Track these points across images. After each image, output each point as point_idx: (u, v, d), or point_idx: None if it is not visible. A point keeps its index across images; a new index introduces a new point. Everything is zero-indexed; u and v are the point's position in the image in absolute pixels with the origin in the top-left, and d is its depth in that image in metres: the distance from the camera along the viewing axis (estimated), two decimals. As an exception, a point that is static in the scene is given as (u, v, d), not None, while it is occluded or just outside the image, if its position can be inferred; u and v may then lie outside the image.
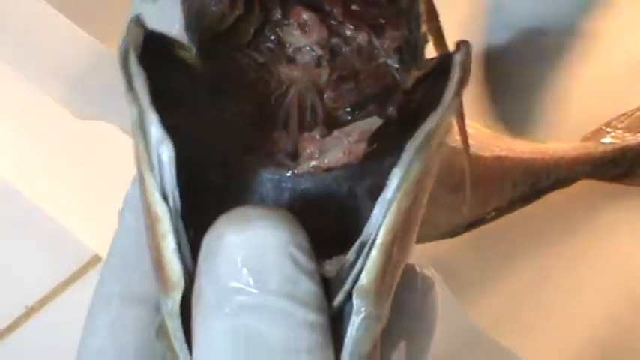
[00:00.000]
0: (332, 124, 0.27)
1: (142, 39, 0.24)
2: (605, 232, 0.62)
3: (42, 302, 0.51)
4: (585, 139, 0.60)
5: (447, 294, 0.50)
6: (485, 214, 0.57)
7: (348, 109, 0.28)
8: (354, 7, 0.28)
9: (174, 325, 0.22)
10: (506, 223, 0.61)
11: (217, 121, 0.27)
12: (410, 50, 0.28)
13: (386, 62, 0.28)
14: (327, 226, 0.26)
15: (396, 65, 0.28)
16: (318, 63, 0.28)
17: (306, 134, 0.26)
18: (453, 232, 0.56)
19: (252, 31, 0.28)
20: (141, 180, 0.22)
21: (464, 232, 0.57)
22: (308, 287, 0.22)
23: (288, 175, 0.27)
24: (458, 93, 0.24)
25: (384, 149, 0.26)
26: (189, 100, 0.27)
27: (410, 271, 0.27)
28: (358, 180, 0.26)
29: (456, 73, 0.24)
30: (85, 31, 0.52)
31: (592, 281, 0.61)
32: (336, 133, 0.26)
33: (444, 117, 0.23)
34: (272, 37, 0.28)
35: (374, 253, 0.22)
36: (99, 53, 0.51)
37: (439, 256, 0.55)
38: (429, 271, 0.28)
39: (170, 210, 0.22)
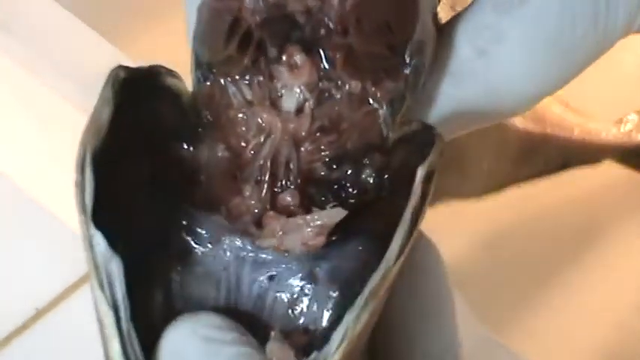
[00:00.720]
0: (306, 182, 0.27)
1: (104, 135, 0.25)
2: (616, 238, 0.61)
3: (52, 305, 0.51)
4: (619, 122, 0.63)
5: (460, 302, 0.50)
6: (515, 179, 0.60)
7: (326, 162, 0.27)
8: (354, 57, 0.28)
9: None
10: (517, 227, 0.61)
11: (191, 169, 0.27)
12: (402, 102, 0.28)
13: (376, 110, 0.28)
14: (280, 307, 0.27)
15: (386, 115, 0.28)
16: (301, 109, 0.28)
17: (271, 213, 0.27)
18: (484, 193, 0.59)
19: (245, 62, 0.28)
20: (91, 288, 0.24)
21: (497, 190, 0.60)
22: (233, 350, 0.24)
23: (250, 247, 0.27)
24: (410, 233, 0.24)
25: (346, 233, 0.27)
26: (168, 139, 0.27)
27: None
28: (319, 261, 0.27)
29: (413, 199, 0.24)
30: (98, 32, 0.52)
31: (602, 287, 0.61)
32: (299, 219, 0.26)
33: (388, 274, 0.24)
34: (265, 71, 0.28)
35: None
36: (112, 54, 0.51)
37: (452, 265, 0.55)
38: (427, 240, 0.28)
39: (117, 316, 0.23)
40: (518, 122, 0.58)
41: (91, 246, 0.23)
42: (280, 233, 0.26)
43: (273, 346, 0.24)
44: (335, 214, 0.26)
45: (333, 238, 0.26)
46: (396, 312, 0.27)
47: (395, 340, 0.27)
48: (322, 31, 0.27)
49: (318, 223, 0.26)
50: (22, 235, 0.53)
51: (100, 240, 0.23)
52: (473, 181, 0.58)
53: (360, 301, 0.23)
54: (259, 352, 0.24)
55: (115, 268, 0.23)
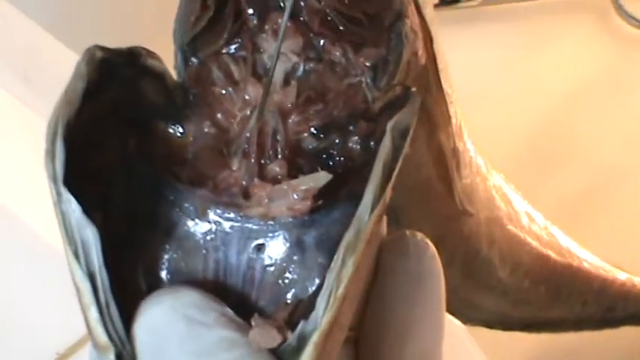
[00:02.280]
0: (294, 153, 0.27)
1: (78, 107, 0.24)
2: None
3: (72, 350, 0.51)
4: None
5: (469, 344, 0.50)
6: (547, 320, 0.54)
7: (314, 132, 0.27)
8: (333, 21, 0.28)
9: None
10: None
11: (176, 145, 0.27)
12: (385, 69, 0.28)
13: (359, 80, 0.28)
14: (270, 279, 0.26)
15: (369, 82, 0.28)
16: (287, 81, 0.28)
17: (256, 180, 0.26)
18: (505, 324, 0.53)
19: (225, 35, 0.28)
20: (66, 255, 0.23)
21: (520, 330, 0.54)
22: (214, 335, 0.23)
23: (237, 217, 0.27)
24: (383, 185, 0.24)
25: (332, 201, 0.26)
26: (155, 116, 0.27)
27: (400, 239, 0.27)
28: (307, 229, 0.27)
29: (382, 156, 0.24)
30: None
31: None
32: (283, 185, 0.26)
33: (362, 229, 0.23)
34: (248, 45, 0.28)
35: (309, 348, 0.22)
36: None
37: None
38: (421, 236, 0.28)
39: (94, 285, 0.23)
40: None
41: (62, 213, 0.23)
42: (266, 201, 0.26)
43: (255, 332, 0.23)
44: (319, 178, 0.26)
45: (320, 203, 0.26)
46: (389, 308, 0.27)
47: (385, 335, 0.27)
48: None
49: (303, 187, 0.26)
50: (42, 280, 0.54)
51: (74, 206, 0.23)
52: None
53: (337, 259, 0.23)
54: (242, 334, 0.23)
55: (91, 235, 0.23)
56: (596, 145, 0.77)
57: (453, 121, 0.37)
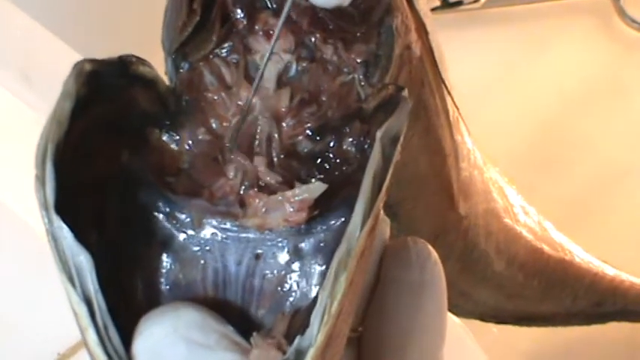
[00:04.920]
0: (289, 157, 0.27)
1: (66, 129, 0.24)
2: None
3: (73, 350, 0.51)
4: None
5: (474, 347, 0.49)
6: (538, 313, 0.54)
7: (309, 135, 0.27)
8: (323, 19, 0.28)
9: None
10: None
11: (171, 154, 0.27)
12: (377, 64, 0.27)
13: (352, 78, 0.27)
14: (268, 288, 0.26)
15: (362, 78, 0.27)
16: (280, 82, 0.27)
17: (251, 191, 0.26)
18: (498, 317, 0.54)
19: (214, 38, 0.27)
20: (60, 279, 0.23)
21: (513, 323, 0.54)
22: (216, 358, 0.23)
23: (233, 227, 0.26)
24: (373, 200, 0.23)
25: (329, 206, 0.26)
26: (149, 126, 0.27)
27: (402, 247, 0.27)
28: (305, 236, 0.26)
29: (370, 170, 0.23)
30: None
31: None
32: (279, 196, 0.26)
33: (353, 245, 0.23)
34: (238, 47, 0.28)
35: None
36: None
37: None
38: (423, 244, 0.27)
39: (91, 310, 0.22)
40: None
41: (55, 240, 0.23)
42: (263, 211, 0.26)
43: (256, 355, 0.23)
44: (315, 189, 0.25)
45: (316, 213, 0.26)
46: (391, 314, 0.26)
47: (387, 339, 0.27)
48: None
49: (299, 198, 0.25)
50: (43, 279, 0.53)
51: (66, 234, 0.23)
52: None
53: (329, 276, 0.22)
54: (244, 356, 0.23)
55: (85, 261, 0.23)
56: (597, 147, 0.77)
57: (451, 112, 0.37)
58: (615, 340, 0.65)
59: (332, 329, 0.22)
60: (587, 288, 0.54)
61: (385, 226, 0.28)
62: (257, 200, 0.26)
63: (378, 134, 0.24)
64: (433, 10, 0.79)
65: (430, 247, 0.28)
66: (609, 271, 0.56)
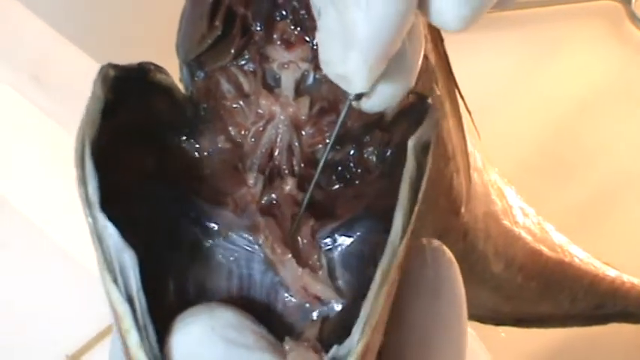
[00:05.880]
0: (310, 166, 0.27)
1: (100, 118, 0.24)
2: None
3: (82, 351, 0.51)
4: None
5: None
6: (536, 315, 0.54)
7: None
8: None
9: None
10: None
11: (193, 161, 0.27)
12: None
13: None
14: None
15: None
16: (298, 91, 0.27)
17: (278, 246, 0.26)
18: (497, 319, 0.53)
19: (232, 50, 0.28)
20: (102, 280, 0.23)
21: (511, 325, 0.54)
22: (255, 358, 0.22)
23: (258, 245, 0.26)
24: (412, 206, 0.23)
25: (352, 218, 0.26)
26: (167, 133, 0.27)
27: (416, 247, 0.27)
28: (330, 250, 0.26)
29: (405, 185, 0.23)
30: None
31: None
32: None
33: (396, 255, 0.23)
34: (255, 57, 0.28)
35: None
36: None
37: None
38: (438, 244, 0.27)
39: (133, 309, 0.22)
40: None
41: (100, 239, 0.23)
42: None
43: (294, 355, 0.23)
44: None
45: (338, 227, 0.26)
46: (411, 317, 0.26)
47: (408, 343, 0.26)
48: (302, 12, 0.27)
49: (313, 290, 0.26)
50: (52, 282, 0.54)
51: (112, 231, 0.23)
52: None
53: (373, 286, 0.22)
54: (281, 357, 0.23)
55: (128, 259, 0.23)
56: (607, 152, 0.76)
57: (463, 117, 0.37)
58: (618, 340, 0.64)
59: (370, 339, 0.22)
60: (587, 289, 0.54)
61: None
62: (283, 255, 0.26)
63: (411, 143, 0.24)
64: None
65: (445, 248, 0.28)
66: (610, 272, 0.56)
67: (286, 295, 0.26)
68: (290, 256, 0.26)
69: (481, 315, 0.52)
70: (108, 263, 0.23)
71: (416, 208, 0.23)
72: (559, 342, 0.63)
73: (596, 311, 0.56)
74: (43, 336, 0.52)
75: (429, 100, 0.25)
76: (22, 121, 0.54)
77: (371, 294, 0.22)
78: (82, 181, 0.23)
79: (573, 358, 0.66)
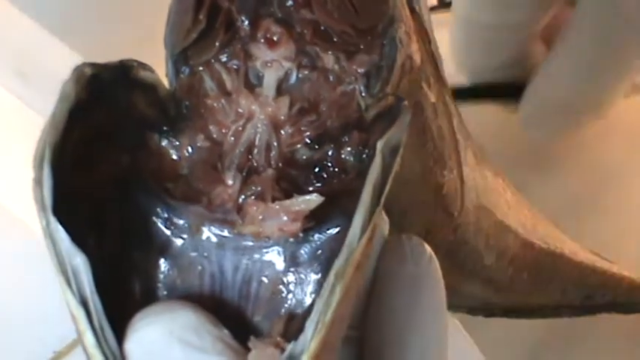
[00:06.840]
0: (288, 165, 0.27)
1: (66, 120, 0.24)
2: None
3: (70, 347, 0.51)
4: None
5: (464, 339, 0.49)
6: (526, 305, 0.55)
7: (307, 143, 0.27)
8: (327, 32, 0.28)
9: None
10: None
11: (170, 160, 0.27)
12: (378, 75, 0.28)
13: (352, 88, 0.27)
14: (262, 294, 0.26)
15: (362, 89, 0.27)
16: (279, 90, 0.27)
17: (250, 199, 0.26)
18: (487, 310, 0.54)
19: (217, 44, 0.28)
20: (59, 282, 0.23)
21: (501, 315, 0.54)
22: None
23: (230, 234, 0.27)
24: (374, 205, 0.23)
25: (327, 215, 0.26)
26: (150, 129, 0.27)
27: (397, 243, 0.27)
28: (301, 244, 0.27)
29: (371, 179, 0.24)
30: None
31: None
32: (276, 205, 0.26)
33: (352, 255, 0.23)
34: (239, 54, 0.28)
35: None
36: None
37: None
38: (418, 240, 0.27)
39: (88, 311, 0.23)
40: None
41: (52, 241, 0.23)
42: (260, 218, 0.26)
43: (253, 355, 0.23)
44: (311, 201, 0.26)
45: (312, 224, 0.26)
46: (389, 312, 0.26)
47: (387, 337, 0.27)
48: (289, 4, 0.27)
49: (295, 209, 0.26)
50: (40, 276, 0.53)
51: (63, 236, 0.23)
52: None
53: (326, 285, 0.23)
54: (239, 358, 0.23)
55: (81, 263, 0.23)
56: (595, 145, 0.77)
57: (454, 116, 0.37)
58: (617, 339, 0.65)
59: (326, 337, 0.22)
60: (577, 281, 0.55)
61: (384, 225, 0.28)
62: (255, 208, 0.26)
63: (379, 145, 0.24)
64: (429, 9, 0.79)
65: (425, 244, 0.28)
66: (600, 264, 0.56)
67: (259, 288, 0.26)
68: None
69: (471, 306, 0.52)
70: (60, 266, 0.23)
71: (377, 211, 0.23)
72: (551, 337, 0.63)
73: (586, 302, 0.56)
74: (31, 332, 0.52)
75: (405, 103, 0.25)
76: (7, 117, 0.54)
77: (324, 291, 0.23)
78: (38, 183, 0.23)
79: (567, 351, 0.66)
